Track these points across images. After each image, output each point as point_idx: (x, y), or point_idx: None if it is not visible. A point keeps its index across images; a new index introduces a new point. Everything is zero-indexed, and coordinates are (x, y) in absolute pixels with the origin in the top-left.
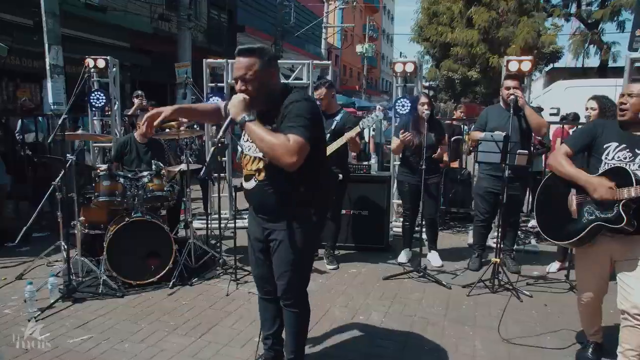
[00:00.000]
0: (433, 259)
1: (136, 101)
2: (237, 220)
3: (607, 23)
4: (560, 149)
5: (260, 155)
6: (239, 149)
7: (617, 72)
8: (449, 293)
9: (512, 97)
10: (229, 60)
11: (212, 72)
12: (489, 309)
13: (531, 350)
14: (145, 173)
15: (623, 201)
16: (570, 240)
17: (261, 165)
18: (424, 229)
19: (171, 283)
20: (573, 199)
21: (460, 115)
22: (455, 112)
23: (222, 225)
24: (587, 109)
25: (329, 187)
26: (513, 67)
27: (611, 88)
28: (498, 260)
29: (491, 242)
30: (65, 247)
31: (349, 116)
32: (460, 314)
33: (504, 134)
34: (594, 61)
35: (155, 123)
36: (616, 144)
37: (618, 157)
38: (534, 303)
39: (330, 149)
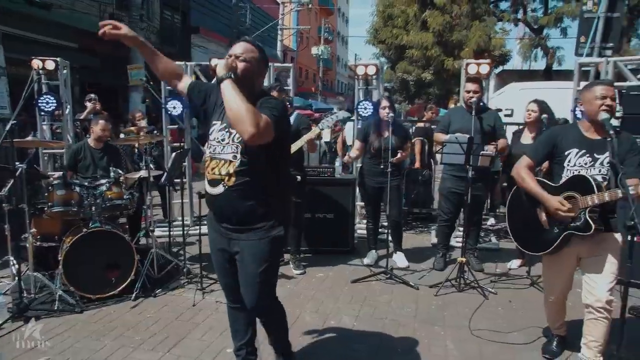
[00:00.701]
0: (399, 260)
1: (89, 105)
2: (199, 227)
3: (552, 29)
4: (521, 162)
5: (231, 157)
6: (206, 151)
7: (561, 74)
8: (417, 294)
9: (473, 99)
10: (187, 63)
11: None
12: (457, 308)
13: (501, 347)
14: (103, 181)
15: (588, 209)
16: (546, 251)
17: (232, 169)
18: (388, 231)
19: (134, 295)
20: (542, 212)
21: (432, 117)
22: (426, 114)
23: (184, 232)
24: (527, 110)
25: (290, 191)
26: (472, 69)
27: (562, 90)
28: (464, 259)
29: (454, 241)
30: (15, 262)
31: (302, 117)
32: (430, 314)
33: (467, 136)
34: (540, 64)
35: (111, 31)
36: (576, 150)
37: (579, 162)
38: (499, 300)
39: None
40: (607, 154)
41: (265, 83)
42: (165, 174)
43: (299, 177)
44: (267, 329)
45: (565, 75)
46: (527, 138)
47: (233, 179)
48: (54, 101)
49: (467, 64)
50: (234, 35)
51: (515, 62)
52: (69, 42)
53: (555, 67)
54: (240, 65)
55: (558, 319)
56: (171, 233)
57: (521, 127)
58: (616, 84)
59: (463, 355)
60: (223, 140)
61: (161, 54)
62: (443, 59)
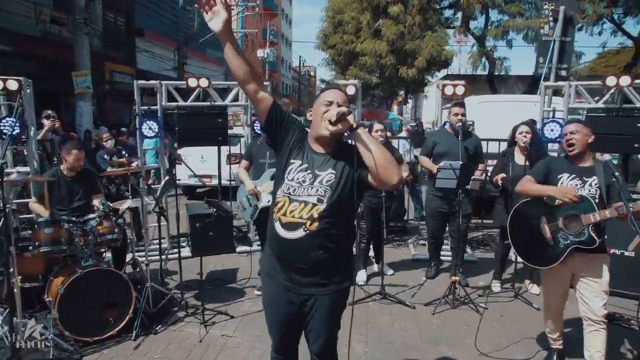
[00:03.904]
0: (384, 269)
1: (47, 123)
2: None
3: (499, 40)
4: (525, 179)
5: (315, 200)
6: (278, 191)
7: (502, 80)
8: (415, 313)
9: (459, 123)
10: (162, 82)
11: (110, 79)
12: (456, 326)
13: None
14: (92, 215)
15: (590, 225)
16: (554, 265)
17: (316, 212)
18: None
19: (134, 334)
20: (546, 228)
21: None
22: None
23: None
24: (521, 133)
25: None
26: (448, 91)
27: (522, 104)
28: (456, 278)
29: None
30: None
31: None
32: (433, 334)
33: (460, 163)
34: (481, 71)
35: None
36: (567, 174)
37: (571, 184)
38: (491, 315)
39: None
40: (594, 177)
41: (242, 100)
42: (155, 202)
43: None
44: None
45: (505, 81)
46: (520, 159)
47: (316, 223)
48: (17, 125)
49: (444, 86)
50: (181, 40)
51: (454, 66)
52: (2, 46)
53: (496, 73)
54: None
55: (557, 330)
56: (149, 258)
57: (506, 150)
58: (578, 105)
59: None
60: (304, 182)
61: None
62: (398, 67)
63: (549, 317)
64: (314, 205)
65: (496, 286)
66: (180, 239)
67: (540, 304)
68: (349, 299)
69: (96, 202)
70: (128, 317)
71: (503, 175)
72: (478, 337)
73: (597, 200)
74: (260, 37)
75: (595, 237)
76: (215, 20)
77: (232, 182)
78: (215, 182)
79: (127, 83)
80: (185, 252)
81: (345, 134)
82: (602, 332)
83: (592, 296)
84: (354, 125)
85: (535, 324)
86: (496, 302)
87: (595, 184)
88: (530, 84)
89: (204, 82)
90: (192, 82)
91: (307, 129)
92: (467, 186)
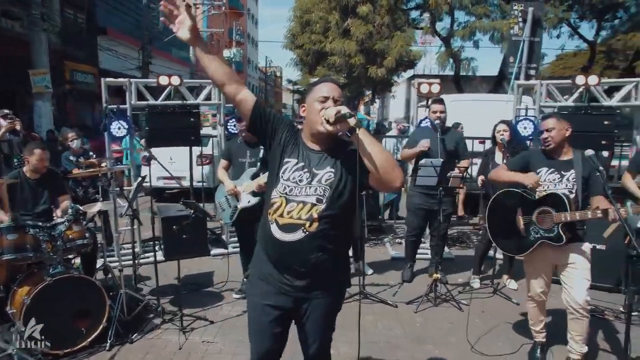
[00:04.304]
0: (365, 269)
1: (4, 123)
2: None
3: (466, 41)
4: (499, 167)
5: (314, 200)
6: (273, 191)
7: (467, 80)
8: (397, 312)
9: (437, 120)
10: (132, 80)
11: (71, 78)
12: (439, 324)
13: (493, 359)
14: (61, 220)
15: (561, 224)
16: (523, 254)
17: (315, 213)
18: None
19: (108, 344)
20: (520, 220)
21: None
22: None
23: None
24: (499, 131)
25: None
26: (424, 89)
27: (494, 103)
28: (438, 276)
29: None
30: None
31: None
32: (418, 333)
33: (441, 160)
34: (448, 71)
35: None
36: (546, 168)
37: (549, 179)
38: (473, 311)
39: (266, 178)
40: (572, 171)
41: (216, 99)
42: (127, 205)
43: None
44: None
45: (471, 81)
46: (500, 157)
47: (316, 224)
48: None
49: (419, 84)
50: (145, 38)
51: (419, 67)
52: None
53: (462, 73)
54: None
55: (540, 322)
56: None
57: (488, 149)
58: (549, 103)
59: None
60: (301, 181)
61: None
62: (367, 66)
63: (532, 310)
64: (313, 205)
65: (476, 283)
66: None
67: (520, 299)
68: None
69: (64, 205)
70: (101, 326)
71: (482, 177)
72: (461, 334)
73: (572, 196)
74: (226, 36)
75: (563, 236)
76: (182, 30)
77: (203, 184)
78: (184, 183)
79: (89, 83)
80: (158, 256)
81: (346, 134)
82: (584, 320)
83: (573, 284)
84: (357, 130)
85: (516, 319)
86: (477, 299)
87: (572, 178)
88: (494, 84)
89: (175, 80)
90: (163, 80)
91: (297, 125)
92: (447, 184)
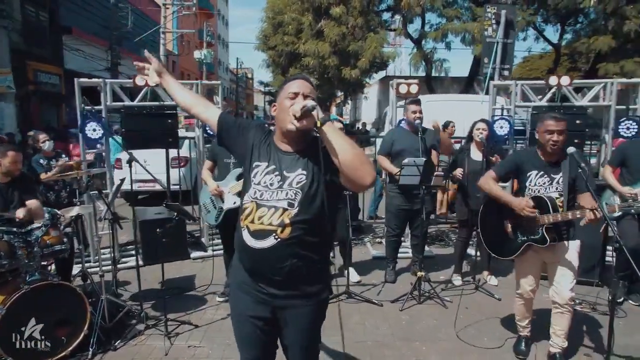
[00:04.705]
0: (352, 275)
1: None
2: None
3: (438, 43)
4: (488, 174)
5: (285, 204)
6: (244, 197)
7: (438, 81)
8: (383, 310)
9: (417, 120)
10: (106, 80)
11: (34, 79)
12: (425, 321)
13: (480, 353)
14: (37, 225)
15: (544, 225)
16: (511, 257)
17: (287, 219)
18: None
19: (90, 352)
20: (507, 224)
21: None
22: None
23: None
24: (478, 129)
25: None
26: (402, 89)
27: (468, 103)
28: (422, 273)
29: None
30: None
31: None
32: (405, 331)
33: (424, 159)
34: (420, 72)
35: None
36: (536, 171)
37: (538, 182)
38: (456, 308)
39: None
40: (560, 173)
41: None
42: (106, 208)
43: None
44: None
45: (442, 82)
46: (477, 154)
47: (288, 229)
48: None
49: (398, 84)
50: (113, 39)
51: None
52: None
53: (434, 74)
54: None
55: (526, 318)
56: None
57: (463, 145)
58: (524, 103)
59: None
60: (272, 185)
61: (180, 84)
62: (341, 68)
63: (520, 307)
64: (285, 210)
65: (457, 280)
66: (130, 247)
67: (501, 294)
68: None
69: (32, 205)
70: (83, 334)
71: (461, 170)
72: (448, 330)
73: (562, 198)
74: (196, 37)
75: (547, 237)
76: (150, 79)
77: (179, 187)
78: (159, 187)
79: (54, 84)
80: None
81: (314, 129)
82: (568, 315)
83: (561, 280)
84: (318, 123)
85: (499, 314)
86: (460, 295)
87: (562, 181)
88: (465, 85)
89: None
90: (140, 81)
91: (269, 127)
92: (429, 183)
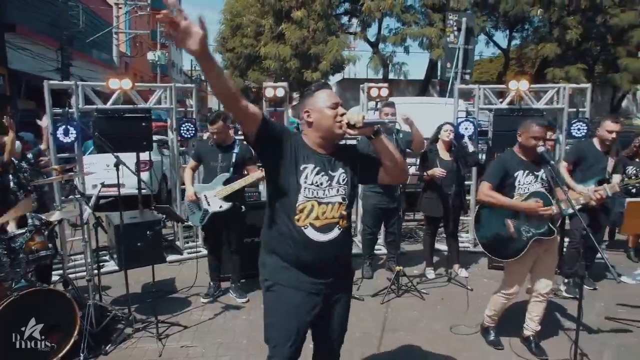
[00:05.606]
0: None
1: None
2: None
3: (397, 47)
4: (483, 186)
5: (340, 199)
6: (298, 197)
7: (394, 83)
8: (365, 304)
9: (391, 124)
10: (78, 83)
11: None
12: (406, 313)
13: (460, 340)
14: (20, 230)
15: (552, 216)
16: (518, 257)
17: (343, 210)
18: None
19: (82, 358)
20: (510, 224)
21: None
22: None
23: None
24: (446, 131)
25: None
26: (374, 93)
27: (433, 105)
28: (400, 267)
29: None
30: None
31: (246, 146)
32: (389, 322)
33: None
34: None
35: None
36: (522, 171)
37: (526, 181)
38: (433, 299)
39: (239, 184)
40: (542, 170)
41: (168, 103)
42: (87, 210)
43: (243, 208)
44: None
45: (398, 84)
46: (445, 154)
47: (345, 221)
48: None
49: (369, 88)
50: (63, 38)
51: (346, 70)
52: None
53: (391, 76)
54: None
55: (500, 312)
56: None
57: (431, 146)
58: (486, 106)
59: (437, 352)
60: (322, 184)
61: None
62: (302, 70)
63: (501, 305)
64: (340, 203)
65: (430, 273)
66: (102, 252)
67: (472, 285)
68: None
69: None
70: (73, 339)
71: (441, 170)
72: (432, 321)
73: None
74: (149, 38)
75: (553, 228)
76: (190, 41)
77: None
78: (124, 191)
79: None
80: (111, 266)
81: (370, 136)
82: (543, 303)
83: (545, 271)
84: (378, 131)
85: (471, 303)
86: (434, 288)
87: (545, 177)
88: (420, 88)
89: (126, 84)
90: (114, 84)
91: (295, 131)
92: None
